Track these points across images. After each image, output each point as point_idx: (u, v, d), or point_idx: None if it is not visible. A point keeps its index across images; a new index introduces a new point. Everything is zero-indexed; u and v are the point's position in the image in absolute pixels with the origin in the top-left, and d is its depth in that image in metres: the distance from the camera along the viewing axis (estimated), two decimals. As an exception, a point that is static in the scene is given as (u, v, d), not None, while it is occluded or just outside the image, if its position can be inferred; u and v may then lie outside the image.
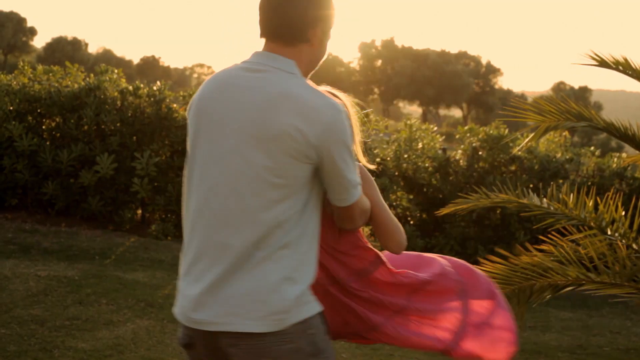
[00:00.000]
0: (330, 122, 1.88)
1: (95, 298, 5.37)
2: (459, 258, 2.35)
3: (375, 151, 8.53)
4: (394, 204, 8.39)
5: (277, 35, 1.98)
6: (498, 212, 8.10)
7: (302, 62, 2.00)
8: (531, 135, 3.67)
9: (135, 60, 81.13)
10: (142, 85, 8.55)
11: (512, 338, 2.19)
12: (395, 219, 2.18)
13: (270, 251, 1.89)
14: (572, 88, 75.40)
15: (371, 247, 2.16)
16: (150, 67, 75.36)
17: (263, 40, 2.03)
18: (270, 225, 1.89)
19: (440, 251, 8.10)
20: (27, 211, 8.28)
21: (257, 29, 2.03)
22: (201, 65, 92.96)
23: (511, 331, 2.19)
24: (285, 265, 1.90)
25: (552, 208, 3.65)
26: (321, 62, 2.09)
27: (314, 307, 1.96)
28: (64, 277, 5.80)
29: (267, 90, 1.91)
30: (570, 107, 3.24)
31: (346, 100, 2.14)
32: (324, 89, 2.07)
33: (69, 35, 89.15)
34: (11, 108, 8.26)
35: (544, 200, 3.73)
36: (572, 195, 3.64)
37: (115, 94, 8.47)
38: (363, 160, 2.15)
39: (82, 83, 8.52)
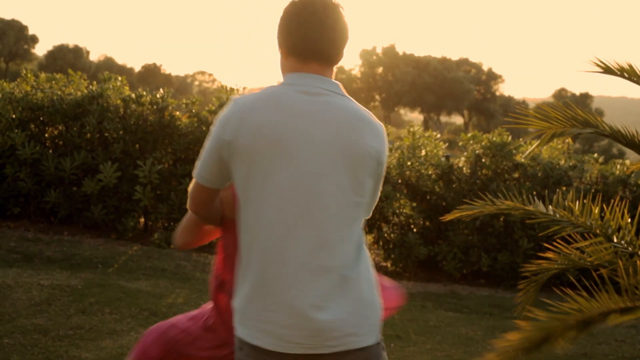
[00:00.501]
0: (386, 142, 2.07)
1: (99, 307, 5.35)
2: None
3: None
4: (397, 211, 8.37)
5: (326, 57, 2.02)
6: (501, 219, 8.08)
7: None
8: (536, 142, 3.65)
9: (137, 68, 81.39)
10: (144, 93, 8.54)
11: (396, 293, 2.68)
12: None
13: (359, 266, 2.00)
14: (573, 94, 75.39)
15: None
16: (151, 74, 75.48)
17: (290, 59, 2.03)
18: (354, 242, 2.00)
19: (443, 259, 8.08)
20: (29, 220, 8.27)
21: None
22: (202, 73, 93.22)
23: (393, 289, 2.66)
24: (370, 277, 2.04)
25: (557, 215, 3.63)
26: None
27: None
28: (67, 286, 5.78)
29: (342, 114, 1.98)
30: (577, 113, 3.22)
31: None
32: None
33: (71, 43, 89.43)
34: (14, 116, 8.26)
35: (550, 207, 3.71)
36: (577, 202, 3.62)
37: (118, 101, 8.46)
38: None
39: (85, 91, 8.51)
